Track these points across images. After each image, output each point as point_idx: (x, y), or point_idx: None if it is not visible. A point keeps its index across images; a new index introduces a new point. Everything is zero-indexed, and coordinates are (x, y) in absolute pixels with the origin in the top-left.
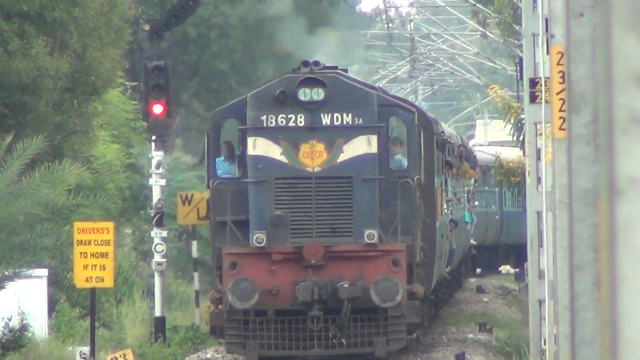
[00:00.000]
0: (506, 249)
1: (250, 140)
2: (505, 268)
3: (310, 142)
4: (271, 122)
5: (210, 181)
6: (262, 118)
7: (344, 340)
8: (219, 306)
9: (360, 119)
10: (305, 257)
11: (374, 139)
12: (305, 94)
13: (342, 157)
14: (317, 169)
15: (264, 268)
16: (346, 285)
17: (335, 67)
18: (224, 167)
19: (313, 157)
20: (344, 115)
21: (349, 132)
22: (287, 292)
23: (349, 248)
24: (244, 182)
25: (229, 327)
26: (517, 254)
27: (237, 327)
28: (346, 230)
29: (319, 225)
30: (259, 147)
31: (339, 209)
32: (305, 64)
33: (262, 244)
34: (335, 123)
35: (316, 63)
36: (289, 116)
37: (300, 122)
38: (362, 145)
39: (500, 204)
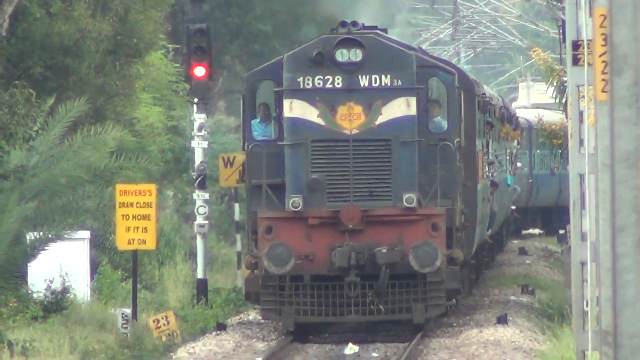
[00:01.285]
0: (535, 211)
1: (286, 102)
2: (534, 231)
3: (348, 104)
4: (308, 84)
5: (246, 144)
6: (298, 80)
7: (381, 307)
8: (255, 271)
9: (399, 81)
10: (342, 222)
11: (413, 100)
12: (342, 55)
13: (381, 120)
14: (354, 132)
15: (301, 233)
16: (384, 251)
17: (375, 27)
18: (260, 130)
19: (351, 119)
20: (383, 76)
21: (388, 94)
22: (323, 257)
23: (387, 212)
24: (280, 145)
25: (264, 293)
26: (544, 216)
27: (272, 292)
28: (384, 194)
29: (357, 189)
30: (295, 109)
31: (377, 172)
32: (343, 24)
33: (299, 208)
34: (374, 85)
35: (354, 23)
36: (326, 77)
37: (338, 83)
38: (400, 107)
39: (530, 167)
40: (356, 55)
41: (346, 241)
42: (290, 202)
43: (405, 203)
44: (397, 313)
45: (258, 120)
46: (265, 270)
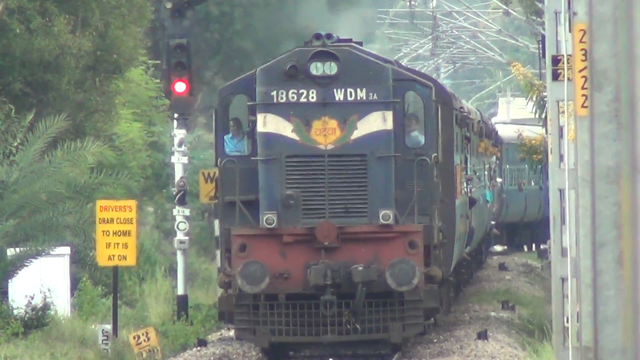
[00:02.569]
0: (503, 227)
1: (259, 117)
2: (498, 248)
3: (323, 119)
4: (282, 98)
5: (219, 159)
6: (272, 94)
7: (358, 326)
8: (229, 290)
9: (375, 94)
10: (317, 239)
11: (389, 114)
12: (317, 68)
13: (356, 134)
14: (329, 147)
15: (275, 250)
16: (360, 268)
17: (350, 40)
18: (232, 145)
19: (326, 134)
20: (358, 90)
21: (363, 108)
22: (298, 275)
23: (364, 229)
24: (254, 160)
25: (238, 312)
26: (509, 232)
27: (246, 312)
28: (360, 210)
29: (332, 205)
30: (269, 123)
31: (353, 188)
32: (318, 36)
33: (273, 225)
34: (349, 98)
35: (329, 36)
36: (301, 91)
37: (312, 97)
38: (376, 122)
39: (502, 183)
40: (331, 68)
41: (322, 259)
42: (265, 218)
43: (381, 220)
44: (374, 332)
45: (230, 135)
46: (239, 289)
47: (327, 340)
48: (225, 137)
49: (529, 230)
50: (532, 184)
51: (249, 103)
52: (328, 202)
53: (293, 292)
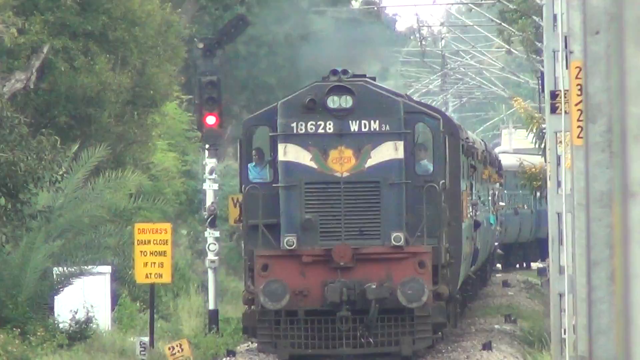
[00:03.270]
0: (501, 248)
1: (280, 147)
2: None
3: (339, 148)
4: (301, 129)
5: (243, 186)
6: (292, 125)
7: (371, 340)
8: (252, 306)
9: (387, 126)
10: (334, 259)
11: (400, 144)
12: (334, 102)
13: (370, 163)
14: (345, 174)
15: (295, 270)
16: (374, 287)
17: (364, 75)
18: (256, 173)
19: (342, 162)
20: (372, 122)
21: (377, 138)
22: (316, 293)
23: (377, 250)
24: (275, 187)
25: (260, 327)
26: (505, 252)
27: (268, 327)
28: (374, 233)
29: (348, 228)
30: (289, 153)
31: (367, 212)
32: (334, 72)
33: (293, 247)
34: (363, 129)
35: (344, 72)
36: (318, 123)
37: (329, 128)
38: (389, 151)
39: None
40: (346, 101)
41: (338, 277)
42: (285, 240)
43: (393, 242)
44: (387, 346)
45: (254, 164)
46: (262, 305)
47: (343, 353)
48: (249, 165)
49: (522, 250)
50: (525, 207)
51: (270, 134)
52: (344, 225)
53: (311, 308)
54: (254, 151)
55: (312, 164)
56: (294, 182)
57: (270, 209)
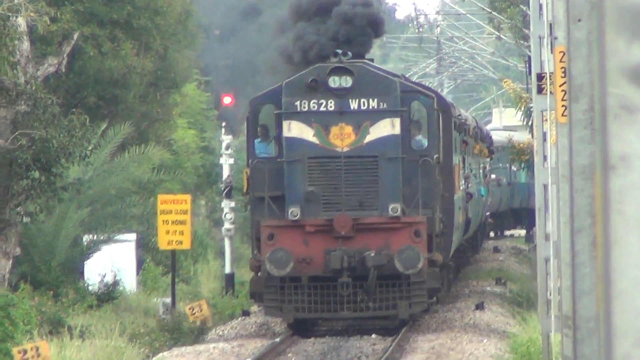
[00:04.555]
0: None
1: (285, 124)
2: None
3: (340, 125)
4: (304, 107)
5: (250, 160)
6: (296, 103)
7: (370, 304)
8: (258, 273)
9: (385, 104)
10: (335, 229)
11: (397, 121)
12: (334, 82)
13: (369, 138)
14: (345, 149)
15: (299, 239)
16: (372, 254)
17: (363, 57)
18: (262, 148)
19: (342, 138)
20: (370, 100)
21: (375, 116)
22: (319, 260)
23: (375, 220)
24: (280, 161)
25: (267, 293)
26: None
27: (274, 292)
28: (372, 204)
29: (348, 200)
30: (293, 129)
31: (366, 185)
32: (335, 54)
33: (297, 217)
34: (362, 107)
35: (345, 53)
36: (320, 101)
37: (331, 106)
38: (386, 127)
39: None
40: (347, 81)
41: (339, 246)
42: (290, 211)
43: (390, 212)
44: (385, 310)
45: (260, 139)
46: (268, 272)
47: (343, 317)
48: (255, 141)
49: (499, 219)
50: (504, 180)
51: (276, 111)
52: (344, 197)
53: (314, 275)
54: (259, 128)
55: (315, 140)
56: (298, 156)
57: (275, 182)
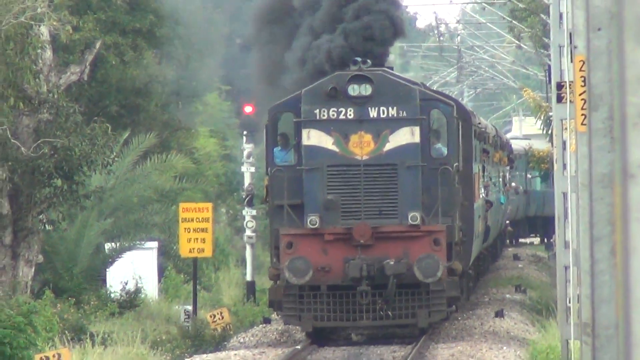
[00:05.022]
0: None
1: (304, 132)
2: None
3: (359, 133)
4: (323, 115)
5: (269, 168)
6: (315, 111)
7: (389, 313)
8: (277, 282)
9: (404, 112)
10: (354, 237)
11: (416, 129)
12: (354, 90)
13: (388, 147)
14: (365, 157)
15: (318, 247)
16: (392, 263)
17: (382, 65)
18: (281, 156)
19: (362, 146)
20: (390, 108)
21: (394, 124)
22: (338, 269)
23: (394, 229)
24: (299, 170)
25: (286, 301)
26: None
27: (293, 300)
28: (392, 212)
29: (367, 208)
30: (312, 137)
31: (385, 193)
32: (354, 62)
33: (316, 226)
34: (382, 116)
35: (364, 61)
36: (340, 110)
37: (350, 115)
38: (406, 136)
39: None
40: (366, 89)
41: (358, 255)
42: (309, 220)
43: (410, 221)
44: (404, 318)
45: (279, 148)
46: (287, 280)
47: (363, 325)
48: (274, 149)
49: (515, 227)
50: (520, 188)
51: (295, 120)
52: (363, 205)
53: (333, 283)
54: (279, 136)
55: (334, 148)
56: (317, 164)
57: (294, 190)
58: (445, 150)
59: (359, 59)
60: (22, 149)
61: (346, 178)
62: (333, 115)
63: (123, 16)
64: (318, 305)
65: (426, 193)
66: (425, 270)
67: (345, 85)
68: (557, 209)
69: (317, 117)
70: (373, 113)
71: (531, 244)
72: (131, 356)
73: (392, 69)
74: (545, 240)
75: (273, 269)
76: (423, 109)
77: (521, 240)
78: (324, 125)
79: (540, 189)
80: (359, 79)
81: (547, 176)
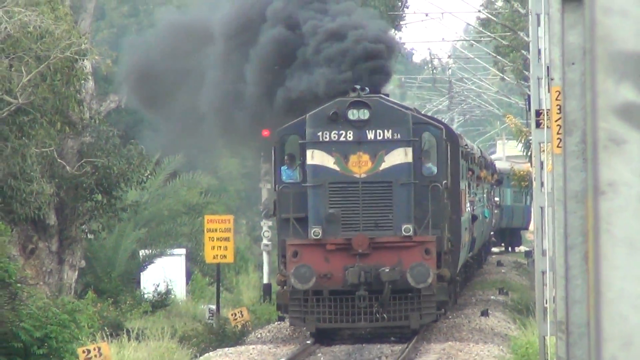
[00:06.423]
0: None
1: (309, 152)
2: None
3: (358, 154)
4: (326, 137)
5: (277, 185)
6: (318, 134)
7: (385, 315)
8: (284, 287)
9: (399, 134)
10: (353, 247)
11: (409, 150)
12: (353, 114)
13: (384, 166)
14: (363, 175)
15: (320, 256)
16: (387, 270)
17: (379, 92)
18: (288, 174)
19: (360, 165)
20: (385, 131)
21: (389, 145)
22: (338, 275)
23: (389, 239)
24: (304, 186)
25: (291, 305)
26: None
27: (298, 304)
28: (387, 225)
29: (365, 221)
30: (316, 157)
31: (381, 207)
32: (354, 89)
33: (319, 237)
34: (378, 138)
35: (362, 89)
36: (340, 132)
37: (350, 137)
38: (400, 156)
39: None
40: (364, 114)
41: (357, 263)
42: (312, 231)
43: (403, 232)
44: (397, 320)
45: (286, 167)
46: (292, 286)
47: (361, 327)
48: (282, 168)
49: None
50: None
51: (300, 141)
52: (362, 218)
53: (334, 288)
54: (286, 156)
55: (335, 167)
56: (320, 182)
57: (299, 205)
58: (435, 169)
59: (357, 86)
60: (67, 167)
61: (346, 194)
62: (334, 137)
63: None
64: (321, 308)
65: (418, 207)
66: (417, 277)
67: (345, 110)
68: (535, 221)
69: (320, 139)
70: (370, 135)
71: (498, 252)
72: (162, 350)
73: (387, 95)
74: (510, 249)
75: (280, 275)
76: (415, 132)
77: (493, 249)
78: (326, 147)
79: (510, 204)
80: (358, 104)
81: (517, 192)
